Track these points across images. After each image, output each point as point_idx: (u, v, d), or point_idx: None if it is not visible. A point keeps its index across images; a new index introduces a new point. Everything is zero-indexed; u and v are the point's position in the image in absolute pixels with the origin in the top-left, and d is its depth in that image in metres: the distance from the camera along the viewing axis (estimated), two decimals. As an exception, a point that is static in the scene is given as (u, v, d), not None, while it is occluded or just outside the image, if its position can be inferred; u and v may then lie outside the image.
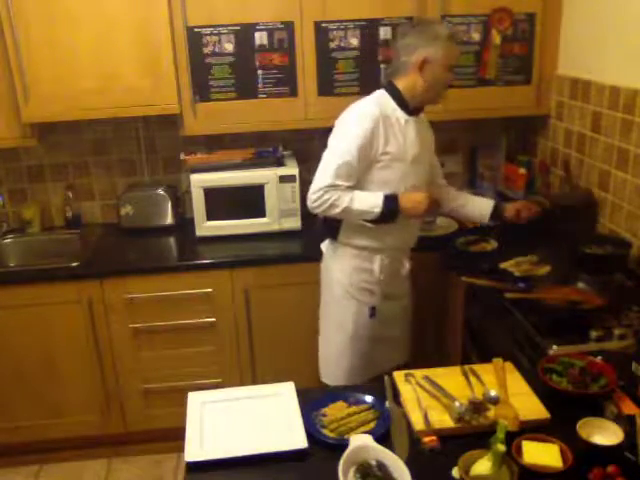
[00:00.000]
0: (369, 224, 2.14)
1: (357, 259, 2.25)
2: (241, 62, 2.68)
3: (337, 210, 2.09)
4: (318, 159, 2.16)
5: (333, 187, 2.07)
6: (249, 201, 2.79)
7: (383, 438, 1.42)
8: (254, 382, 2.75)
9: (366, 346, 2.32)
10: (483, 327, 2.27)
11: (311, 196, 2.11)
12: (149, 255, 2.79)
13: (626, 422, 1.40)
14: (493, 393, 1.55)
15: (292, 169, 2.79)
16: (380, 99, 2.17)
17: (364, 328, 2.30)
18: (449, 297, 2.66)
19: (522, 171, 3.01)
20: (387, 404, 1.56)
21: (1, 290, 2.59)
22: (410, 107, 2.16)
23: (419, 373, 1.67)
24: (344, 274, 2.27)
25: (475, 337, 2.38)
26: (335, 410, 1.56)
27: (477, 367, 1.71)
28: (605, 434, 1.38)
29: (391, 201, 2.09)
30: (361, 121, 2.08)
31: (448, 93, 2.76)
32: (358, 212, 2.10)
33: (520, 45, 2.79)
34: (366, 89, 2.59)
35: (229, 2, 2.60)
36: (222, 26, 2.62)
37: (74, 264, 2.65)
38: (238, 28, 2.64)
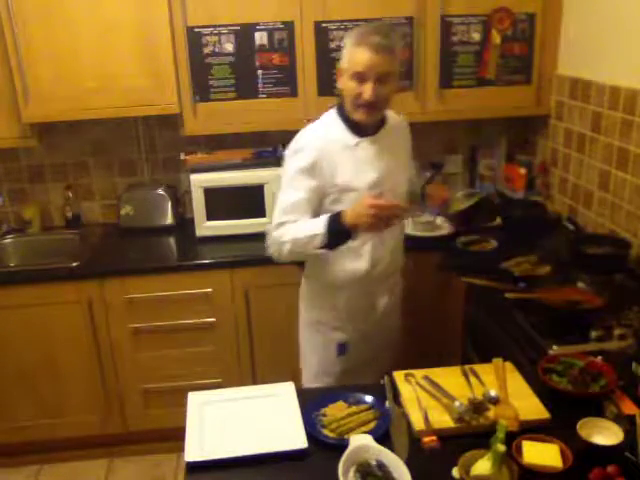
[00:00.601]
0: (325, 250, 1.88)
1: (322, 293, 2.09)
2: (241, 62, 2.68)
3: (287, 247, 1.88)
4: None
5: (281, 225, 1.91)
6: (249, 201, 2.79)
7: (383, 438, 1.42)
8: (254, 382, 2.75)
9: (336, 381, 2.13)
10: (483, 327, 2.27)
11: (267, 242, 1.96)
12: (149, 255, 2.79)
13: (626, 422, 1.40)
14: (493, 393, 1.55)
15: (292, 169, 2.78)
16: (326, 122, 1.99)
17: (332, 365, 2.13)
18: (449, 297, 2.66)
19: (522, 171, 3.02)
20: (387, 404, 1.56)
21: (1, 290, 2.59)
22: (354, 124, 1.93)
23: (419, 373, 1.67)
24: (309, 307, 2.15)
25: (475, 337, 2.38)
26: (335, 410, 1.56)
27: (477, 367, 1.71)
28: (605, 434, 1.37)
29: (334, 220, 1.82)
30: (299, 156, 1.92)
31: (450, 94, 2.82)
32: (305, 240, 1.85)
33: (520, 45, 2.79)
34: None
35: (229, 2, 2.60)
36: (222, 26, 2.63)
37: (74, 264, 2.65)
38: (238, 28, 2.64)
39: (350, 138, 1.94)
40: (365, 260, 2.00)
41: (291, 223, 1.89)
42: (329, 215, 1.85)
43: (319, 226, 1.83)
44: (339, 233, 1.82)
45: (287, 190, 1.93)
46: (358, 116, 1.89)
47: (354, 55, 1.83)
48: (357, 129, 1.94)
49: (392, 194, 1.95)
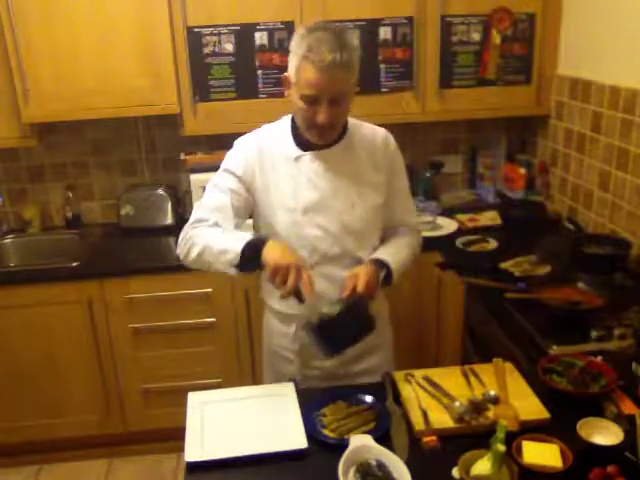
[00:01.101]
0: (234, 270, 1.60)
1: (275, 319, 1.86)
2: (241, 62, 2.68)
3: (197, 250, 1.62)
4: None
5: (199, 222, 1.68)
6: (249, 201, 2.79)
7: (383, 438, 1.42)
8: (254, 382, 2.75)
9: None
10: (483, 327, 2.27)
11: (178, 238, 1.71)
12: (149, 255, 2.79)
13: (626, 422, 1.40)
14: (493, 393, 1.55)
15: (292, 169, 2.77)
16: (276, 127, 1.76)
17: None
18: (449, 297, 2.66)
19: (522, 171, 3.02)
20: (387, 404, 1.56)
21: (1, 290, 2.60)
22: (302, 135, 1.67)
23: (419, 373, 1.66)
24: (267, 330, 1.92)
25: (475, 337, 2.38)
26: (335, 410, 1.56)
27: (477, 367, 1.70)
28: (605, 434, 1.37)
29: (254, 245, 1.54)
30: (232, 160, 1.72)
31: (450, 94, 2.82)
32: (218, 251, 1.58)
33: (520, 45, 2.79)
34: (366, 89, 2.59)
35: (229, 2, 2.60)
36: (222, 26, 2.63)
37: (74, 264, 2.65)
38: (238, 28, 2.64)
39: (293, 150, 1.69)
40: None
41: (210, 225, 1.66)
42: (252, 238, 1.58)
43: (236, 244, 1.56)
44: (252, 259, 1.54)
45: (212, 190, 1.71)
46: (311, 137, 1.64)
47: (304, 72, 1.53)
48: (304, 141, 1.68)
49: (336, 222, 1.67)
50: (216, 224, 1.67)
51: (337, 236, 1.69)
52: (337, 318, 1.49)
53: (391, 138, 1.78)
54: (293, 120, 1.72)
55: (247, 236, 1.59)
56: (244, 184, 1.70)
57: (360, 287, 1.56)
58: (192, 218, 1.71)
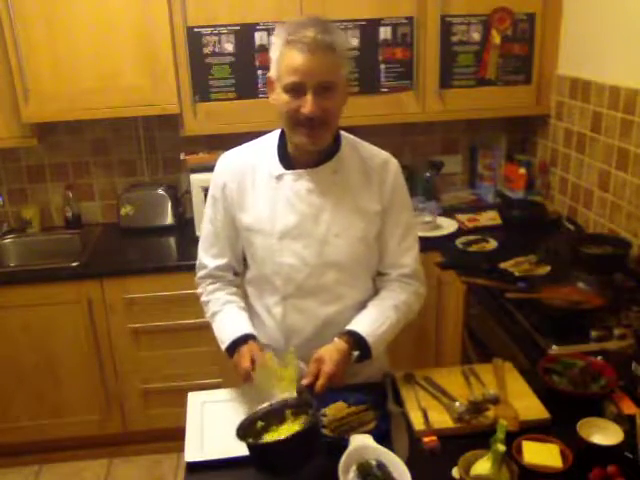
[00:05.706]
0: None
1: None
2: (241, 62, 2.68)
3: (206, 315, 1.72)
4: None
5: (202, 269, 1.69)
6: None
7: (383, 438, 1.42)
8: (254, 382, 2.75)
9: None
10: (483, 327, 2.27)
11: (196, 278, 1.73)
12: (149, 255, 2.79)
13: (626, 422, 1.40)
14: (493, 393, 1.55)
15: (292, 169, 2.77)
16: (262, 142, 1.63)
17: None
18: (449, 297, 2.66)
19: (522, 171, 3.02)
20: (387, 404, 1.56)
21: (1, 290, 2.59)
22: (286, 151, 1.55)
23: (419, 373, 1.67)
24: None
25: (475, 337, 2.38)
26: (335, 410, 1.56)
27: (477, 367, 1.70)
28: (605, 434, 1.37)
29: (232, 347, 1.57)
30: (213, 180, 1.63)
31: (450, 94, 2.82)
32: (215, 332, 1.67)
33: (520, 45, 2.79)
34: (366, 89, 2.59)
35: (229, 2, 2.60)
36: (222, 26, 2.63)
37: (74, 264, 2.65)
38: (238, 28, 2.64)
39: (276, 167, 1.55)
40: (276, 322, 1.65)
41: (209, 282, 1.69)
42: (240, 336, 1.57)
43: (225, 337, 1.60)
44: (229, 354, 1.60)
45: (205, 220, 1.67)
46: (298, 138, 1.47)
47: (285, 59, 1.40)
48: (288, 158, 1.55)
49: (315, 252, 1.54)
50: (214, 277, 1.69)
51: (315, 268, 1.55)
52: (281, 446, 1.28)
53: (393, 164, 1.60)
54: (282, 134, 1.58)
55: (237, 330, 1.59)
56: (226, 208, 1.61)
57: (319, 386, 1.43)
58: (198, 259, 1.71)
